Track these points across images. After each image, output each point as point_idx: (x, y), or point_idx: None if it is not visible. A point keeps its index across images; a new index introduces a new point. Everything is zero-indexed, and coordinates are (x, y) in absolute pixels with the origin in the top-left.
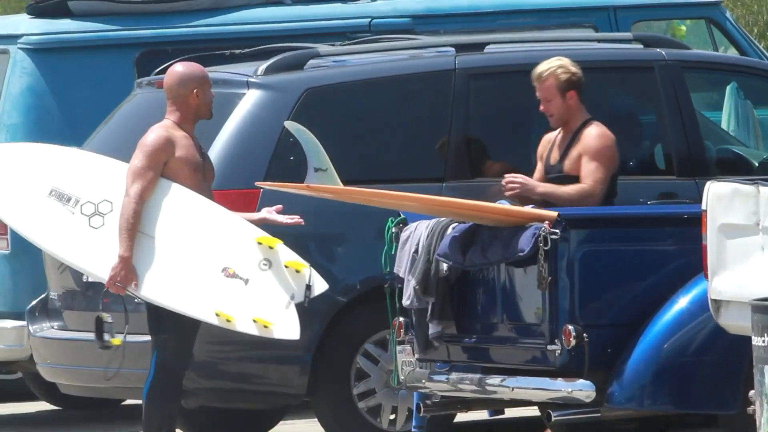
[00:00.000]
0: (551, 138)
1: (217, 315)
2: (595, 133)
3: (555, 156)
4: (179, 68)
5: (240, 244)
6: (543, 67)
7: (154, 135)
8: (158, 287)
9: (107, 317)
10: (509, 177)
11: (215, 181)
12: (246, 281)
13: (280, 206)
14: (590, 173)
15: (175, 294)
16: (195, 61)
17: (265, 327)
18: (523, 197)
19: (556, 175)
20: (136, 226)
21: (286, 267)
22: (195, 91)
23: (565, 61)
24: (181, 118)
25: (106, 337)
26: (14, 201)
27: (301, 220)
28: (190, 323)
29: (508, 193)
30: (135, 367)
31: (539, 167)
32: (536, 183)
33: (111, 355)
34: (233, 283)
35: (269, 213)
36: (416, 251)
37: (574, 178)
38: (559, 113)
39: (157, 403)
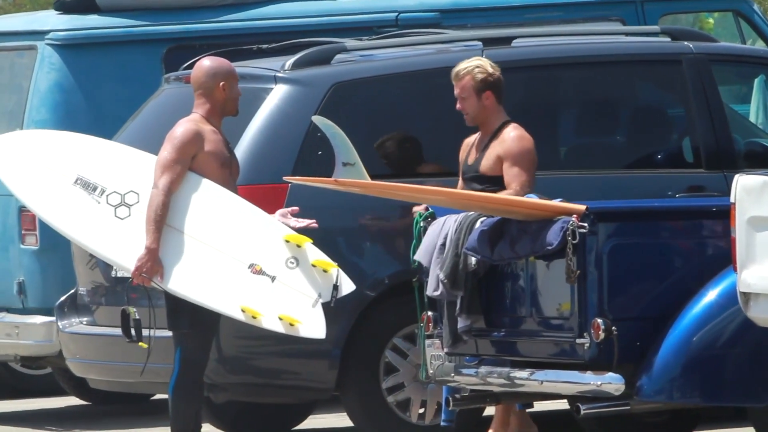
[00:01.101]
0: (470, 141)
1: (242, 311)
2: (514, 136)
3: (473, 156)
4: (206, 62)
5: (267, 242)
6: (461, 66)
7: (183, 128)
8: (184, 280)
9: (134, 312)
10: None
11: (243, 176)
12: (273, 278)
13: (295, 208)
14: (515, 177)
15: (201, 288)
16: (222, 56)
17: (291, 325)
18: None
19: (472, 175)
20: (164, 219)
21: (314, 266)
22: (222, 84)
23: (484, 62)
24: (208, 112)
25: (133, 333)
26: (39, 187)
27: (315, 223)
28: (209, 318)
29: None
30: (163, 362)
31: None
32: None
33: (140, 350)
34: (259, 280)
35: (283, 216)
36: (444, 244)
37: (490, 179)
38: (473, 112)
39: (184, 398)
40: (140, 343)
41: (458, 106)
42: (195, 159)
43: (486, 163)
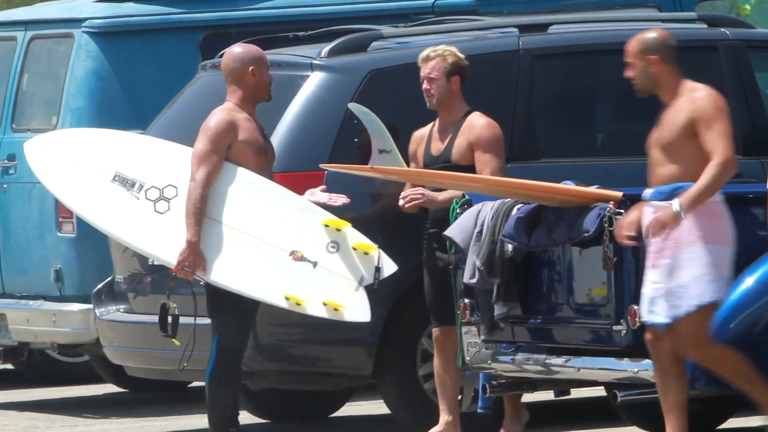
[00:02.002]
0: (423, 134)
1: (286, 298)
2: (483, 123)
3: (437, 147)
4: (236, 49)
5: (307, 227)
6: (430, 49)
7: (216, 118)
8: (226, 271)
9: (174, 307)
10: (409, 192)
11: (280, 164)
12: (314, 264)
13: (323, 187)
14: (486, 164)
15: (244, 278)
16: (259, 43)
17: (336, 310)
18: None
19: (441, 165)
20: (203, 211)
21: (354, 249)
22: (251, 69)
23: (454, 48)
24: (241, 99)
25: (169, 330)
26: (78, 187)
27: (346, 198)
28: (249, 305)
29: (408, 205)
30: (201, 349)
31: (413, 167)
32: (435, 193)
33: (181, 340)
34: (302, 267)
35: (312, 195)
36: (480, 232)
37: (464, 168)
38: (440, 94)
39: (221, 386)
40: (173, 340)
41: (425, 86)
42: (230, 148)
43: (457, 153)
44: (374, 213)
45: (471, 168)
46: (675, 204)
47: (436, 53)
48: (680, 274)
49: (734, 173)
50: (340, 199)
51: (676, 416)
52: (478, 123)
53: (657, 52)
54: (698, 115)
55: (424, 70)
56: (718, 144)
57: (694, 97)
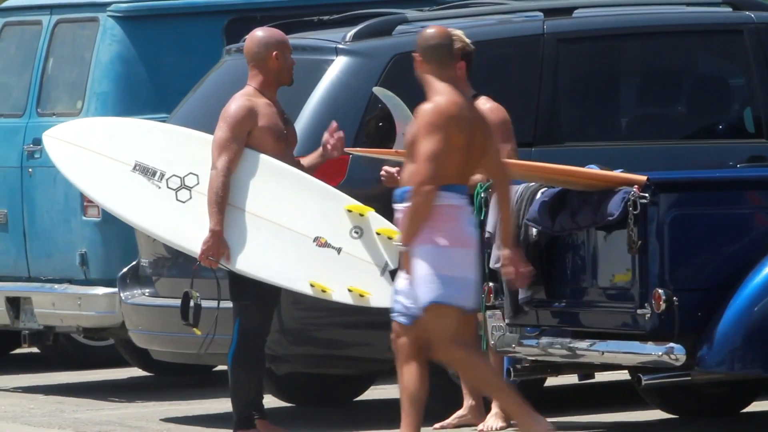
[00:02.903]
0: None
1: (311, 286)
2: (489, 108)
3: None
4: (259, 33)
5: (330, 213)
6: None
7: (236, 105)
8: (251, 259)
9: (197, 296)
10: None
11: (305, 148)
12: (338, 250)
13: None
14: (501, 147)
15: (268, 266)
16: (283, 27)
17: (361, 296)
18: None
19: None
20: (225, 199)
21: (378, 234)
22: (275, 53)
23: (461, 33)
24: (262, 84)
25: (190, 319)
26: (99, 178)
27: (341, 132)
28: (270, 289)
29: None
30: (227, 333)
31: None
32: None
33: (202, 323)
34: (325, 253)
35: (305, 158)
36: None
37: None
38: None
39: (243, 369)
40: (195, 330)
41: None
42: (250, 135)
43: None
44: None
45: None
46: (398, 243)
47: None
48: (414, 274)
49: (431, 193)
50: (336, 135)
51: (408, 412)
52: (484, 108)
53: (419, 50)
54: (417, 127)
55: None
56: (418, 165)
57: (421, 108)
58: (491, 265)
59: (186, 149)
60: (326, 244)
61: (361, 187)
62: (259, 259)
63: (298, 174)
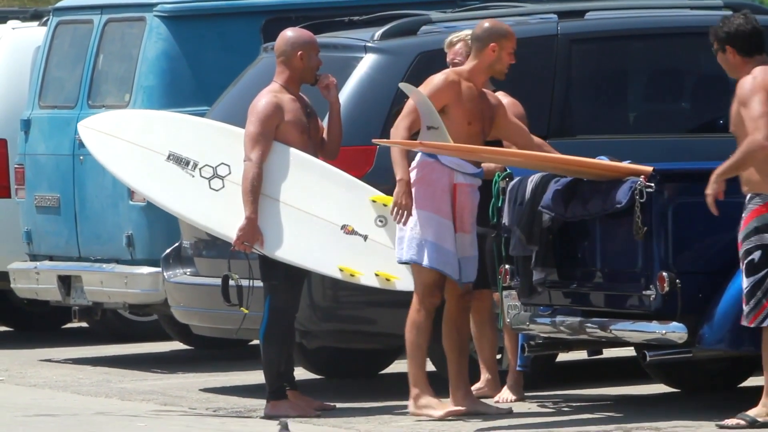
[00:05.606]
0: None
1: (340, 270)
2: (508, 102)
3: None
4: (289, 32)
5: (355, 203)
6: (454, 35)
7: (264, 101)
8: (283, 245)
9: (236, 278)
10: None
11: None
12: (365, 237)
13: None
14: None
15: (299, 251)
16: (316, 27)
17: (388, 280)
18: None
19: None
20: (259, 189)
21: None
22: (300, 53)
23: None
24: (286, 80)
25: (234, 299)
26: (135, 166)
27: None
28: (299, 270)
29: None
30: (260, 310)
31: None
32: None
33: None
34: (353, 240)
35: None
36: (521, 203)
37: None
38: None
39: (273, 344)
40: (243, 309)
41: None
42: (278, 129)
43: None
44: None
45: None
46: None
47: (458, 38)
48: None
49: None
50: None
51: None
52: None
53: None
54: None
55: (449, 55)
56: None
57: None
58: (511, 252)
59: (216, 141)
60: (353, 232)
61: (388, 177)
62: (291, 245)
63: (324, 166)
